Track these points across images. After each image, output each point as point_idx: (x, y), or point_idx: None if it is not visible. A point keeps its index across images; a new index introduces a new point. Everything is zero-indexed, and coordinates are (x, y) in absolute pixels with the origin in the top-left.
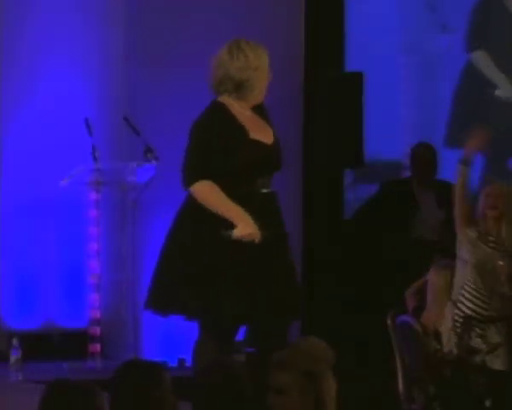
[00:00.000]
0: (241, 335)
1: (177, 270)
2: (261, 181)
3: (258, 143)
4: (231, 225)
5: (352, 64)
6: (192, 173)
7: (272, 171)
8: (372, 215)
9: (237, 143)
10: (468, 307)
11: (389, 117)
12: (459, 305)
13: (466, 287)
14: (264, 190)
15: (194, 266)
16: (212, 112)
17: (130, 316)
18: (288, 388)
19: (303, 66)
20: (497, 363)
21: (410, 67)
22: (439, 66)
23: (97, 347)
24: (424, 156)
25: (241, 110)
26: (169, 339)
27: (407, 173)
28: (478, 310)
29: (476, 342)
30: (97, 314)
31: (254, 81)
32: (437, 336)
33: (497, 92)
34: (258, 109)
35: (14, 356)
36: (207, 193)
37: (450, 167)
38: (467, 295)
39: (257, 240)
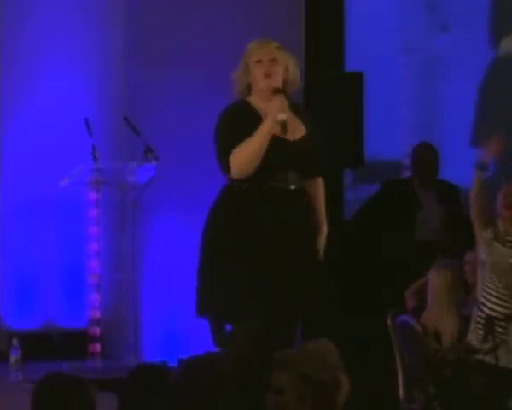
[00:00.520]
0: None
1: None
2: (282, 176)
3: (276, 138)
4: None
5: (352, 64)
6: (225, 156)
7: (295, 167)
8: (372, 215)
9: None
10: (490, 308)
11: (389, 117)
12: (481, 307)
13: (486, 288)
14: (292, 187)
15: (241, 265)
16: (234, 104)
17: (130, 316)
18: (285, 388)
19: (303, 66)
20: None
21: (410, 67)
22: (439, 66)
23: (97, 347)
24: (426, 156)
25: (262, 106)
26: (169, 339)
27: (407, 173)
28: (498, 309)
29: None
30: (97, 314)
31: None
32: (437, 336)
33: None
34: (294, 107)
35: (14, 356)
36: (238, 155)
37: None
38: (487, 296)
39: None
